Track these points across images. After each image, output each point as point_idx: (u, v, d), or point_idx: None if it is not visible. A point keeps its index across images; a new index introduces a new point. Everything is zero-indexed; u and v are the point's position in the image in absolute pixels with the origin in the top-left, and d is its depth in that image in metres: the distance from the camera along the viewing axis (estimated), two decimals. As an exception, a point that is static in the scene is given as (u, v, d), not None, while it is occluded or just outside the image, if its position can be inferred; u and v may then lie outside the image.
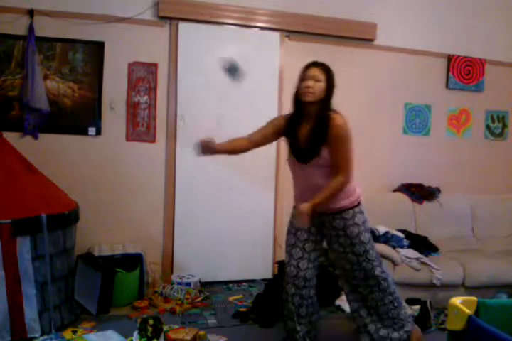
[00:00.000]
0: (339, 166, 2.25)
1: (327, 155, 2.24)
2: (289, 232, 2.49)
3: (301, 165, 2.31)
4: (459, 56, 4.30)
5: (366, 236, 2.36)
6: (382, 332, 2.44)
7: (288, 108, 3.81)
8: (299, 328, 2.43)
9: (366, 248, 2.35)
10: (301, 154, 2.29)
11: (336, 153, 2.24)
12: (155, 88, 3.57)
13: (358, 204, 2.39)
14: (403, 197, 3.97)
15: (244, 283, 3.75)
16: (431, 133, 4.30)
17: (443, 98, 4.33)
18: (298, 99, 2.30)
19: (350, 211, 2.34)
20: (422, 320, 2.89)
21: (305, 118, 2.31)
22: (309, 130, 2.27)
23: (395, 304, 2.43)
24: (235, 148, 2.36)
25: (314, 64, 2.29)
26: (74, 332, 2.63)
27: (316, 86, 2.22)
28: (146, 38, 3.53)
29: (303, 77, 2.27)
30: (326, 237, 2.46)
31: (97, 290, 2.89)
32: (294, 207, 2.49)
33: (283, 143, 3.79)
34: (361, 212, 2.38)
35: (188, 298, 3.22)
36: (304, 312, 2.43)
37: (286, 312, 2.46)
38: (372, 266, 2.36)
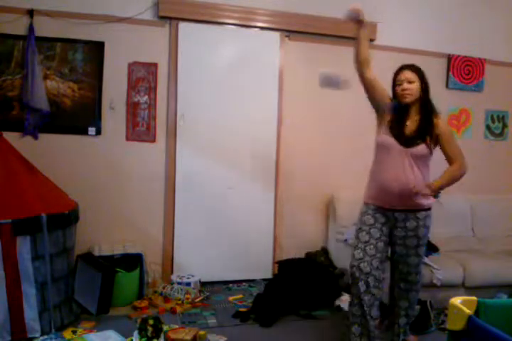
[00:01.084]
0: (456, 156, 2.48)
1: (427, 149, 2.39)
2: (361, 230, 2.52)
3: (399, 151, 2.39)
4: (458, 56, 4.30)
5: (426, 242, 2.56)
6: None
7: (288, 108, 3.85)
8: (372, 328, 2.43)
9: (423, 252, 2.54)
10: (407, 137, 2.40)
11: (450, 144, 2.45)
12: (155, 88, 3.57)
13: (430, 208, 2.53)
14: (403, 197, 3.97)
15: (244, 283, 3.75)
16: (431, 133, 4.30)
17: (443, 98, 4.31)
18: (398, 99, 2.45)
19: (424, 212, 2.48)
20: (422, 320, 2.90)
21: (409, 116, 2.45)
22: (417, 122, 2.42)
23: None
24: (365, 54, 2.64)
25: (404, 67, 2.48)
26: (74, 332, 2.63)
27: (412, 87, 2.41)
28: (146, 38, 3.53)
29: (397, 82, 2.45)
30: (393, 238, 2.53)
31: (97, 290, 2.89)
32: (365, 204, 2.56)
33: (282, 144, 3.82)
34: (430, 216, 2.53)
35: (188, 298, 3.22)
36: (375, 313, 2.44)
37: (355, 312, 2.44)
38: (420, 269, 2.59)
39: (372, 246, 2.44)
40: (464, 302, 1.64)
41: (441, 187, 2.47)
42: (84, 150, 3.45)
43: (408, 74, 2.43)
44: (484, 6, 4.38)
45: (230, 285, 3.70)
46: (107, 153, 3.49)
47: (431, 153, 2.44)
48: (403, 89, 2.41)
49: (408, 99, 2.42)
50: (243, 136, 3.74)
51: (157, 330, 2.47)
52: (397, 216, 2.46)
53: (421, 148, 2.39)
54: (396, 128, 2.43)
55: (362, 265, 2.41)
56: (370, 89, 2.52)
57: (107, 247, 3.33)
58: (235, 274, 3.79)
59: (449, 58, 4.28)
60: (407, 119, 2.45)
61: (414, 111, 2.46)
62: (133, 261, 3.22)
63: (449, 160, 2.50)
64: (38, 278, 2.54)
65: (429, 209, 2.51)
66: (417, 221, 2.46)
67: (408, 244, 2.48)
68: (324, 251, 3.85)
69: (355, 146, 4.03)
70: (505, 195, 4.34)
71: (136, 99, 3.53)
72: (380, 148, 2.48)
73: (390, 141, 2.42)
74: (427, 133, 2.41)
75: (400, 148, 2.39)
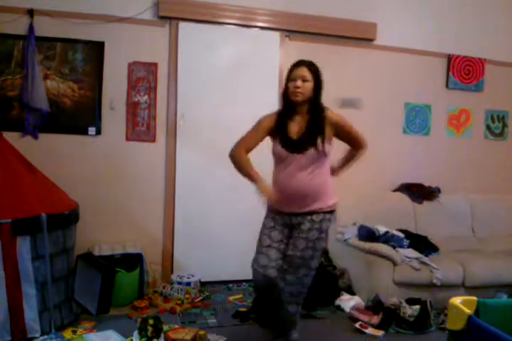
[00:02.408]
0: (357, 137, 2.44)
1: (321, 147, 2.30)
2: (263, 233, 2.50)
3: (292, 156, 2.32)
4: (458, 56, 4.30)
5: (321, 245, 2.42)
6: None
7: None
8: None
9: (314, 255, 2.39)
10: (295, 145, 2.32)
11: (346, 131, 2.40)
12: (155, 88, 3.57)
13: (332, 211, 2.44)
14: (403, 197, 3.97)
15: (244, 283, 3.75)
16: (431, 133, 4.30)
17: (443, 98, 4.33)
18: (287, 98, 2.35)
19: (321, 215, 2.38)
20: (422, 320, 2.90)
21: (296, 116, 2.37)
22: (304, 124, 2.34)
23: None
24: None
25: (301, 63, 2.34)
26: (74, 332, 2.63)
27: (305, 86, 2.28)
28: (146, 38, 3.53)
29: (291, 77, 2.32)
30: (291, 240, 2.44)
31: (97, 290, 2.89)
32: (269, 209, 2.51)
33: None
34: (330, 221, 2.42)
35: (188, 298, 3.22)
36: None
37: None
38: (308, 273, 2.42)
39: (274, 251, 2.43)
40: (463, 302, 1.64)
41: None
42: (85, 150, 3.45)
43: (304, 72, 2.29)
44: (484, 5, 4.39)
45: (230, 285, 3.71)
46: (107, 153, 3.49)
47: (324, 154, 2.33)
48: (296, 87, 2.27)
49: (298, 98, 2.29)
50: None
51: (157, 330, 2.47)
52: (295, 220, 2.41)
53: (313, 150, 2.29)
54: (282, 138, 2.34)
55: (268, 272, 2.40)
56: (263, 138, 2.43)
57: (106, 247, 3.32)
58: (234, 274, 3.78)
59: (449, 58, 4.28)
60: (293, 120, 2.36)
61: (303, 112, 2.35)
62: (133, 261, 3.22)
63: (354, 145, 2.49)
64: (38, 278, 2.54)
65: (330, 212, 2.42)
66: (312, 223, 2.37)
67: (297, 245, 2.39)
68: (324, 251, 3.85)
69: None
70: (505, 195, 4.34)
71: (136, 99, 3.53)
72: (276, 154, 2.41)
73: (280, 150, 2.35)
74: (316, 134, 2.30)
75: (291, 154, 2.32)
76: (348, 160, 2.57)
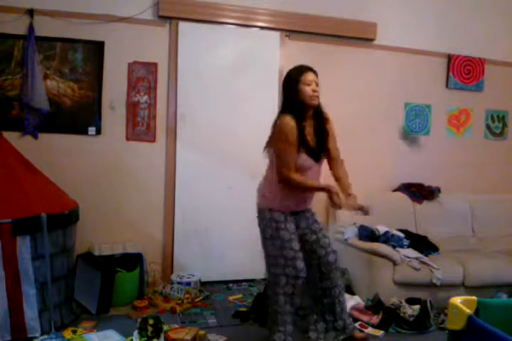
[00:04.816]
0: (338, 155, 2.55)
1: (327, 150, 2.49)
2: (279, 229, 2.48)
3: (315, 165, 2.44)
4: (459, 56, 4.30)
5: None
6: None
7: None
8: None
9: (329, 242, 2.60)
10: (316, 153, 2.42)
11: (335, 145, 2.53)
12: (155, 88, 3.57)
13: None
14: (403, 197, 3.97)
15: (244, 283, 3.75)
16: (431, 133, 4.30)
17: (443, 98, 4.33)
18: (301, 102, 2.36)
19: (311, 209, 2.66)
20: (422, 320, 2.90)
21: (305, 121, 2.41)
22: (313, 130, 2.43)
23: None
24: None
25: (310, 69, 2.41)
26: (74, 332, 2.63)
27: (318, 90, 2.38)
28: (146, 38, 3.53)
29: (305, 81, 2.34)
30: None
31: (97, 290, 2.89)
32: (270, 210, 2.51)
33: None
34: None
35: (188, 298, 3.22)
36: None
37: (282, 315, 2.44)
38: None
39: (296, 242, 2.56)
40: (463, 302, 1.64)
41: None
42: (84, 150, 3.44)
43: (315, 77, 2.39)
44: (484, 6, 4.38)
45: (230, 285, 3.70)
46: (107, 153, 3.49)
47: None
48: (314, 91, 2.35)
49: (316, 102, 2.38)
50: (243, 135, 3.74)
51: (157, 330, 2.47)
52: (302, 215, 2.61)
53: (324, 156, 2.51)
54: (306, 146, 2.37)
55: (298, 263, 2.45)
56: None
57: (106, 247, 3.32)
58: (235, 274, 3.78)
59: (449, 58, 4.28)
60: (305, 127, 2.39)
61: (309, 117, 2.43)
62: (133, 261, 3.22)
63: (332, 157, 2.53)
64: (38, 278, 2.54)
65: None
66: (311, 215, 2.63)
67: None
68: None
69: (354, 147, 4.03)
70: (505, 195, 4.34)
71: (136, 99, 3.53)
72: (302, 165, 2.41)
73: (307, 160, 2.39)
74: (327, 139, 2.48)
75: (315, 163, 2.45)
76: (344, 182, 2.53)
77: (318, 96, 2.37)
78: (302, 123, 2.37)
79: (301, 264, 2.39)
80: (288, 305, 2.43)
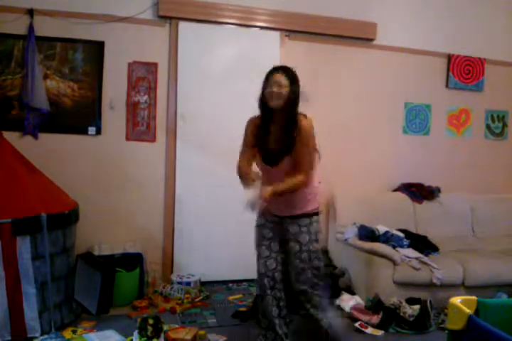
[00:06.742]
0: (300, 166, 2.27)
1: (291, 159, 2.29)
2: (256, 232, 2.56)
3: (269, 169, 2.35)
4: (459, 55, 4.30)
5: (315, 246, 2.42)
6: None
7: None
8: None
9: (312, 256, 2.40)
10: (271, 156, 2.32)
11: (299, 152, 2.26)
12: (155, 88, 3.56)
13: (317, 213, 2.45)
14: (403, 197, 3.97)
15: (244, 283, 3.75)
16: (431, 132, 4.30)
17: (443, 97, 4.33)
18: (264, 103, 2.32)
19: (307, 219, 2.40)
20: (422, 320, 2.90)
21: (273, 123, 2.34)
22: (278, 132, 2.30)
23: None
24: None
25: (278, 69, 2.33)
26: (74, 332, 2.63)
27: (282, 92, 2.25)
28: (146, 38, 3.53)
29: (270, 83, 2.29)
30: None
31: (97, 290, 2.89)
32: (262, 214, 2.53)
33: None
34: (317, 222, 2.44)
35: (188, 298, 3.22)
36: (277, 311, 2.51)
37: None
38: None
39: (264, 248, 2.61)
40: (463, 302, 1.64)
41: (274, 194, 2.27)
42: (85, 149, 3.44)
43: (281, 78, 2.27)
44: (484, 5, 4.39)
45: (230, 284, 3.71)
46: (107, 153, 3.49)
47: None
48: (273, 92, 2.26)
49: (273, 104, 2.26)
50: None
51: (157, 330, 2.48)
52: (284, 221, 2.48)
53: (286, 161, 2.28)
54: (262, 147, 2.34)
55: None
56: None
57: (106, 247, 3.32)
58: (235, 274, 3.78)
59: (449, 58, 4.28)
60: (270, 128, 2.34)
61: (278, 119, 2.31)
62: (133, 261, 3.22)
63: (295, 166, 2.28)
64: (38, 277, 2.54)
65: (314, 214, 2.44)
66: (299, 227, 2.41)
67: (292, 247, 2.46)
68: (324, 251, 3.85)
69: (355, 146, 4.04)
70: (505, 195, 4.34)
71: (136, 99, 3.53)
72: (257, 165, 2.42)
73: (260, 162, 2.37)
74: (290, 145, 2.26)
75: (268, 167, 2.34)
76: (286, 186, 2.28)
77: (278, 98, 2.24)
78: (269, 124, 2.34)
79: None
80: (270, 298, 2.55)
